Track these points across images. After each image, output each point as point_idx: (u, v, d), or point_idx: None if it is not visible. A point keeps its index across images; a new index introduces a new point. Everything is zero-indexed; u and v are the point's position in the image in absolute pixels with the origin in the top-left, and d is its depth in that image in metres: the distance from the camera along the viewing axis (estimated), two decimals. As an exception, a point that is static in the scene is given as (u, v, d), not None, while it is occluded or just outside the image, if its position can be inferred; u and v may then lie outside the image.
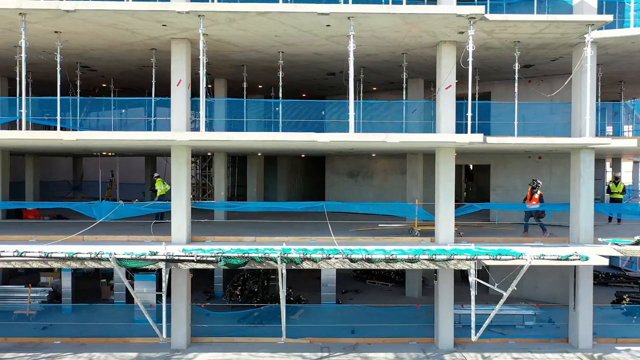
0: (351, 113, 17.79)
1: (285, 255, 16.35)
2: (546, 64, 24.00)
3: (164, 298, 17.55)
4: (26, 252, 16.12)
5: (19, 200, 31.84)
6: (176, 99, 20.13)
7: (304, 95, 33.46)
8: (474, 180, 37.79)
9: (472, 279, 16.84)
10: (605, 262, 17.95)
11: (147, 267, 17.25)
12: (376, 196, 33.26)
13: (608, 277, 31.21)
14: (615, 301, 25.73)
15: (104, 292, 27.82)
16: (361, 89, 23.89)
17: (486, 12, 18.04)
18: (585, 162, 20.23)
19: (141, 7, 16.86)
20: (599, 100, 23.79)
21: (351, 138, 17.45)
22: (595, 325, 21.13)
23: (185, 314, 20.66)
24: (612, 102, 29.98)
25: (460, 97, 20.61)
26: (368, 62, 23.76)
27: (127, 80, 28.71)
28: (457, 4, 18.55)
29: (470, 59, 17.57)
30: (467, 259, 16.82)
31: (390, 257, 16.70)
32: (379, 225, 23.50)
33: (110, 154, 39.52)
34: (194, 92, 20.33)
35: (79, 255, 15.96)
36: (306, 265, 16.56)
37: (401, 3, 18.18)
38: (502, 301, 17.21)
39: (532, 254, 16.66)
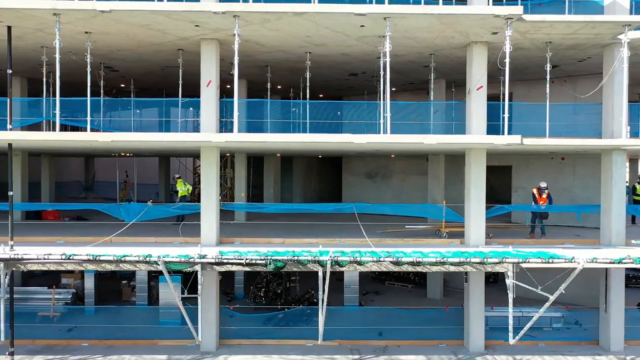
0: (388, 114, 17.62)
1: (336, 257, 16.08)
2: (572, 64, 23.81)
3: (200, 300, 17.37)
4: (74, 254, 15.87)
5: (35, 201, 31.59)
6: (206, 100, 19.96)
7: (320, 95, 33.27)
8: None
9: (510, 281, 16.65)
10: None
11: (187, 269, 17.06)
12: (395, 197, 33.09)
13: (628, 279, 31.00)
14: (640, 303, 25.60)
15: (125, 293, 27.62)
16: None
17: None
18: (617, 163, 20.07)
19: (177, 8, 16.67)
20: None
21: (388, 139, 17.27)
22: (625, 327, 20.95)
23: (215, 316, 20.39)
24: (631, 102, 29.76)
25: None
26: (394, 62, 23.32)
27: (148, 81, 28.54)
28: (490, 5, 18.34)
29: (507, 60, 17.42)
30: (518, 262, 16.55)
31: (442, 260, 16.44)
32: (406, 227, 23.30)
33: (128, 154, 39.30)
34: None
35: (128, 258, 15.77)
36: (351, 268, 16.33)
37: (436, 3, 17.91)
38: (547, 304, 17.02)
39: (584, 257, 16.43)
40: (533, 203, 21.98)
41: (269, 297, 25.42)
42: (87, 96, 19.47)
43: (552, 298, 16.44)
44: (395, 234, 22.06)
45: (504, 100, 18.97)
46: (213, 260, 16.21)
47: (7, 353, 19.00)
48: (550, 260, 16.37)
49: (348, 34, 19.14)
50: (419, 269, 16.75)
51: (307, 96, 22.42)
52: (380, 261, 16.29)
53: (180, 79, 22.31)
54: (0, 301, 16.90)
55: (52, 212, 29.33)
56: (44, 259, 15.79)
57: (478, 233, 20.11)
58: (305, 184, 39.82)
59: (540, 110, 21.60)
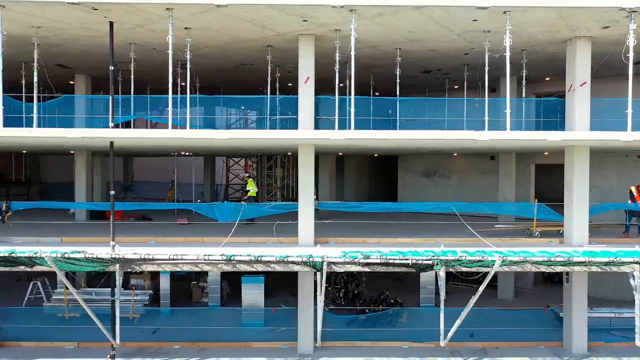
0: (508, 111, 17.21)
1: (506, 258, 15.43)
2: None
3: (320, 299, 16.75)
4: (208, 255, 15.35)
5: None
6: (303, 97, 19.51)
7: (377, 93, 32.74)
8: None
9: (637, 282, 16.13)
10: None
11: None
12: (455, 196, 32.50)
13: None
14: None
15: (196, 294, 27.15)
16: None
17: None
18: None
19: (295, 2, 16.14)
20: None
21: (512, 136, 16.82)
22: None
23: (313, 318, 19.90)
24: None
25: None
26: (478, 58, 23.08)
27: (217, 78, 28.05)
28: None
29: (630, 54, 16.88)
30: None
31: (589, 260, 15.84)
32: (495, 226, 22.83)
33: (173, 154, 38.82)
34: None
35: (264, 258, 15.18)
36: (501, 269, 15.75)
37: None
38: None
39: None
40: (630, 201, 21.45)
41: (348, 297, 24.91)
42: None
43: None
44: (485, 234, 21.52)
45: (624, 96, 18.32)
46: (379, 260, 15.31)
47: (108, 356, 18.56)
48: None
49: (453, 28, 18.68)
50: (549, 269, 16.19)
51: (398, 93, 21.91)
52: (525, 261, 15.57)
53: (269, 76, 22.17)
54: (116, 303, 16.39)
55: (116, 212, 28.71)
56: (180, 259, 15.14)
57: (581, 232, 19.68)
58: (357, 183, 39.37)
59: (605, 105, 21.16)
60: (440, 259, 14.90)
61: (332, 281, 25.86)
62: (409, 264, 14.76)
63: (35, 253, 15.55)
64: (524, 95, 28.38)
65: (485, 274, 15.58)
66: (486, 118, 18.55)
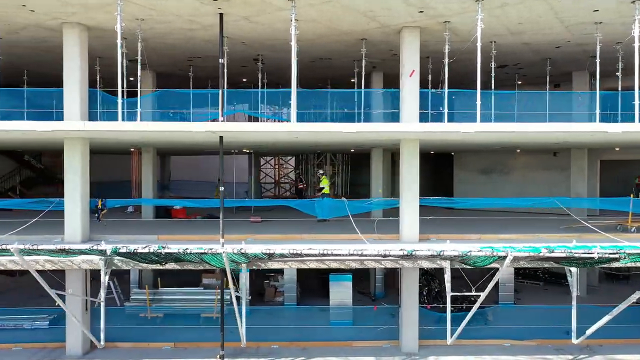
0: (637, 103, 16.71)
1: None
2: None
3: (449, 298, 16.28)
4: (363, 250, 14.78)
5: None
6: (408, 91, 19.05)
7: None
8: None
9: None
10: None
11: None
12: (516, 193, 32.15)
13: None
14: None
15: (268, 293, 26.68)
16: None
17: None
18: None
19: (423, -9, 15.70)
20: None
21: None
22: None
23: (416, 316, 19.52)
24: None
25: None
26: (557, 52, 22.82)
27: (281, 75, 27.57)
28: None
29: None
30: None
31: None
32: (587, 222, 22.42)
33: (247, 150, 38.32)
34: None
35: (418, 253, 14.61)
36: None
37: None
38: None
39: None
40: None
41: (432, 296, 24.48)
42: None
43: None
44: (575, 229, 21.15)
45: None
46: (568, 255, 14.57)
47: (217, 356, 18.13)
48: None
49: (567, 19, 18.36)
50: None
51: (493, 86, 21.49)
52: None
53: (363, 70, 21.70)
54: (241, 300, 15.92)
55: (180, 210, 28.30)
56: (330, 255, 14.46)
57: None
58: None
59: None
60: (627, 253, 14.36)
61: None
62: (593, 257, 14.18)
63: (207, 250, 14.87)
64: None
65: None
66: (597, 112, 18.16)
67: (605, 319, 16.44)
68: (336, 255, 14.00)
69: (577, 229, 20.77)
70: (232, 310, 22.95)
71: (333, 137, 19.53)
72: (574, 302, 16.46)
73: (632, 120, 17.50)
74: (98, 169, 41.49)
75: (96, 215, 20.72)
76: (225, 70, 19.42)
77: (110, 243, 17.74)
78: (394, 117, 22.27)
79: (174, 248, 14.33)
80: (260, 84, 24.60)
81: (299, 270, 24.36)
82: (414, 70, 18.99)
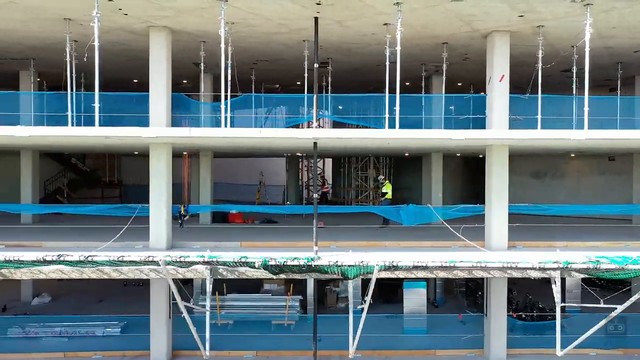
0: None
1: None
2: None
3: (558, 309, 15.92)
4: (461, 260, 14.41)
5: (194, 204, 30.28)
6: (497, 96, 18.79)
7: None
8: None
9: None
10: None
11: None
12: (569, 197, 31.90)
13: None
14: None
15: (330, 300, 26.36)
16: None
17: None
18: None
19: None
20: None
21: None
22: None
23: (504, 325, 19.25)
24: None
25: None
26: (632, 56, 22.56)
27: (344, 77, 27.37)
28: None
29: None
30: None
31: None
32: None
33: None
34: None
35: (519, 265, 14.20)
36: None
37: None
38: None
39: None
40: None
41: (514, 304, 24.23)
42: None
43: None
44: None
45: None
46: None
47: (313, 365, 17.80)
48: None
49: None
50: None
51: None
52: None
53: (444, 75, 21.40)
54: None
55: (237, 215, 28.04)
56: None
57: None
58: (453, 184, 38.53)
59: None
60: None
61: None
62: None
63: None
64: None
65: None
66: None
67: None
68: (462, 266, 13.64)
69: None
70: (302, 318, 22.94)
71: (426, 143, 19.30)
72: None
73: None
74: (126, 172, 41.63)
75: (179, 221, 20.40)
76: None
77: (195, 250, 17.66)
78: (456, 124, 22.01)
79: (324, 260, 14.15)
80: (328, 88, 24.22)
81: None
82: (503, 75, 18.77)
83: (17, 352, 19.92)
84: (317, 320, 21.69)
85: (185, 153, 30.11)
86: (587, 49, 16.60)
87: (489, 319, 19.47)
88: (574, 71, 21.32)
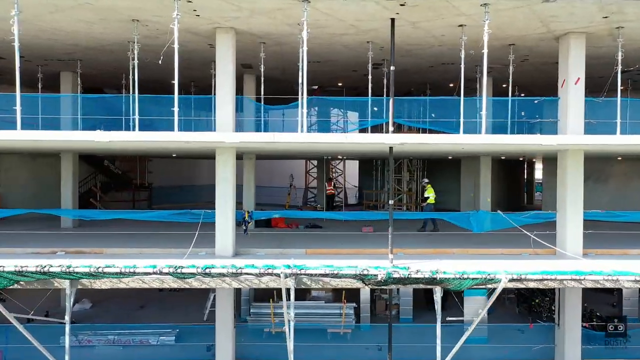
0: None
1: None
2: None
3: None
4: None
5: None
6: (573, 99, 18.54)
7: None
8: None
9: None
10: None
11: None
12: (613, 202, 31.46)
13: None
14: None
15: (379, 307, 25.95)
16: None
17: None
18: None
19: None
20: None
21: None
22: None
23: (579, 336, 18.89)
24: None
25: None
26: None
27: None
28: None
29: None
30: None
31: None
32: None
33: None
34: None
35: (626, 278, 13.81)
36: None
37: None
38: None
39: None
40: None
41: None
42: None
43: None
44: None
45: None
46: None
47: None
48: None
49: None
50: None
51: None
52: None
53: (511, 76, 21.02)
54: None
55: (280, 220, 27.59)
56: None
57: None
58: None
59: None
60: None
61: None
62: None
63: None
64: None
65: None
66: None
67: None
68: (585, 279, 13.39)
69: None
70: (356, 326, 22.52)
71: (511, 149, 19.01)
72: None
73: None
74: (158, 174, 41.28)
75: (243, 228, 20.03)
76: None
77: (261, 257, 17.35)
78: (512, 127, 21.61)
79: (449, 273, 14.09)
80: (387, 90, 23.75)
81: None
82: (579, 78, 18.42)
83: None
84: (380, 329, 21.52)
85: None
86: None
87: (562, 329, 19.05)
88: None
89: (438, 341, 15.28)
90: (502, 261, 17.16)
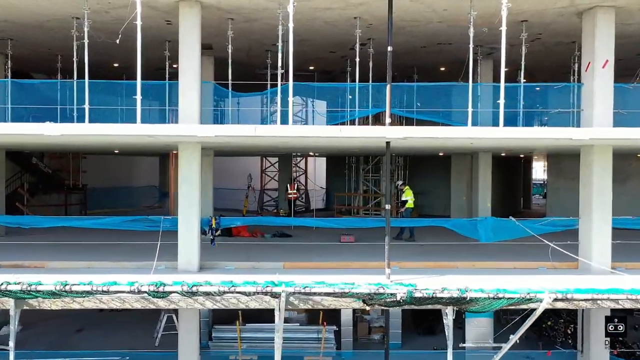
0: None
1: None
2: None
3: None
4: None
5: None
6: (600, 85, 18.75)
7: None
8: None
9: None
10: None
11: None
12: (631, 205, 31.95)
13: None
14: None
15: (361, 329, 25.85)
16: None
17: None
18: None
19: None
20: None
21: None
22: None
23: (607, 361, 19.15)
24: None
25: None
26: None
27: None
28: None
29: None
30: None
31: None
32: None
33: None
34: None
35: None
36: None
37: None
38: None
39: None
40: None
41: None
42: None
43: None
44: None
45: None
46: None
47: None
48: None
49: None
50: None
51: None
52: None
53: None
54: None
55: (242, 228, 27.30)
56: None
57: None
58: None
59: None
60: None
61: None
62: None
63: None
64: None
65: None
66: None
67: None
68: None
69: None
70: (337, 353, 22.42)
71: (518, 143, 19.03)
72: None
73: None
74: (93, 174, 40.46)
75: (210, 237, 19.74)
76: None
77: (230, 272, 17.29)
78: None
79: (481, 291, 14.27)
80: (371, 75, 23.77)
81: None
82: (607, 61, 18.69)
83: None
84: (365, 357, 21.47)
85: (175, 152, 29.20)
86: None
87: (588, 355, 19.21)
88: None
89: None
90: (521, 277, 17.32)
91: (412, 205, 25.69)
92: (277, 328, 14.84)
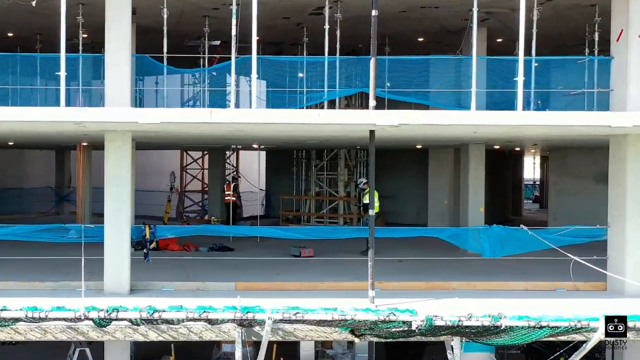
0: None
1: None
2: None
3: None
4: None
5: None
6: (635, 59, 18.24)
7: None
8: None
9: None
10: None
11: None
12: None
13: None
14: None
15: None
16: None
17: None
18: None
19: None
20: None
21: None
22: None
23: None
24: None
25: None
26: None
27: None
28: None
29: None
30: None
31: None
32: None
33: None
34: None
35: None
36: None
37: None
38: None
39: None
40: None
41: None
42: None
43: None
44: None
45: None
46: None
47: None
48: None
49: None
50: None
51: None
52: None
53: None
54: None
55: (171, 240, 26.49)
56: None
57: None
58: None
59: None
60: None
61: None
62: None
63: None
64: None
65: None
66: None
67: None
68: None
69: None
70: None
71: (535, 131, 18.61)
72: None
73: None
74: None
75: (144, 251, 18.99)
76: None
77: (170, 295, 17.02)
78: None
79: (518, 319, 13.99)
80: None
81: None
82: (622, 30, 18.29)
83: None
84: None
85: (85, 144, 28.41)
86: None
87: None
88: None
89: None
90: (526, 300, 17.17)
91: (378, 210, 25.09)
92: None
